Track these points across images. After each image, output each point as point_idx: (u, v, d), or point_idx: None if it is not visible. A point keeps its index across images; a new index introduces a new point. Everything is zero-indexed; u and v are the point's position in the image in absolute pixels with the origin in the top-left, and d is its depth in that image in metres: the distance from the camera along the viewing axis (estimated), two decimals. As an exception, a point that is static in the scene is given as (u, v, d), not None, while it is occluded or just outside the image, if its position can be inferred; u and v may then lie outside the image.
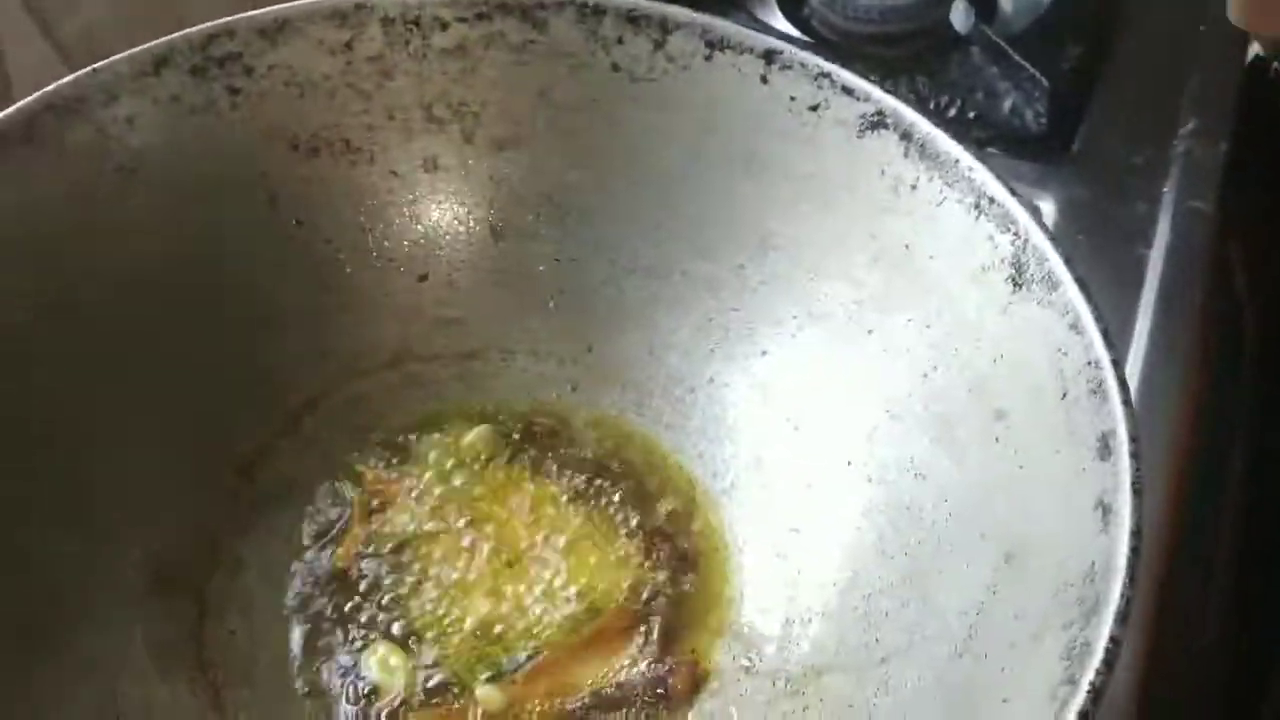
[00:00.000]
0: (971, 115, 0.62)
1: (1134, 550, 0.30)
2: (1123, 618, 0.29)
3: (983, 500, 0.37)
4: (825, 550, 0.41)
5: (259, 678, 0.40)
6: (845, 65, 0.42)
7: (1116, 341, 0.35)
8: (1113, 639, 0.29)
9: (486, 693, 0.40)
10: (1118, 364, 0.34)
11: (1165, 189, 0.59)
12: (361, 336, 0.47)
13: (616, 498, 0.45)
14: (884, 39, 0.67)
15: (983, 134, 0.62)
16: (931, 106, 0.62)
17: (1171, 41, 0.64)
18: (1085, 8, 0.67)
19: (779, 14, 0.70)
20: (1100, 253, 0.57)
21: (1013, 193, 0.38)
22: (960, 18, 0.65)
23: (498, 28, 0.45)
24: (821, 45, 0.67)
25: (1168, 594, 0.46)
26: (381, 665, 0.40)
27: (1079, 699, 0.28)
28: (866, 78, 0.42)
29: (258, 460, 0.45)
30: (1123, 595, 0.29)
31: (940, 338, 0.40)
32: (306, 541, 0.43)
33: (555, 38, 0.45)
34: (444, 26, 0.45)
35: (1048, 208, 0.59)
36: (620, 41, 0.45)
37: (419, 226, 0.47)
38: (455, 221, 0.48)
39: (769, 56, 0.43)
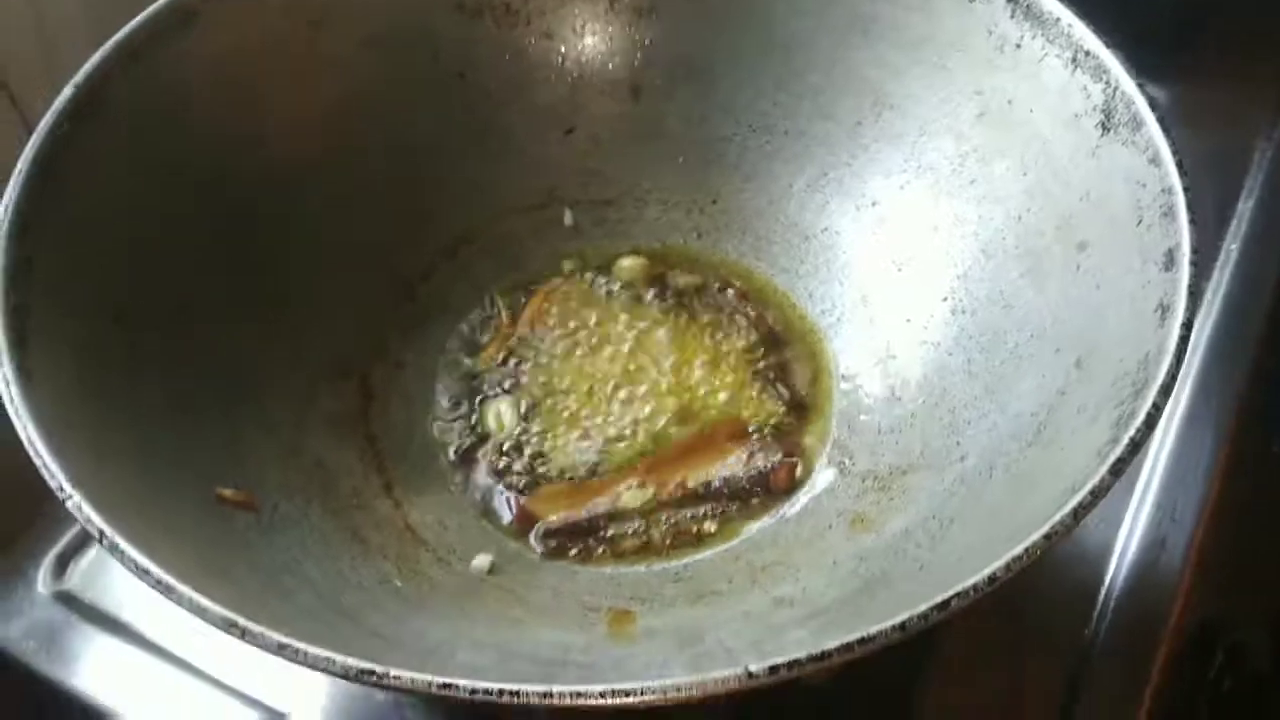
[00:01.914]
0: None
1: (1183, 339, 0.34)
2: (1166, 390, 0.33)
3: (1062, 321, 0.41)
4: (919, 373, 0.46)
5: (412, 451, 0.46)
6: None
7: (1189, 170, 0.38)
8: (1155, 405, 0.33)
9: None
10: (1188, 190, 0.37)
11: None
12: (513, 180, 0.52)
13: (737, 330, 0.49)
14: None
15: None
16: None
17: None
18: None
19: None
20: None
21: (1107, 45, 0.42)
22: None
23: (644, -100, 0.50)
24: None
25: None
26: (495, 416, 0.47)
27: (1119, 450, 0.32)
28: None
29: (420, 280, 0.51)
30: (1168, 372, 0.33)
31: (1034, 182, 0.44)
32: (455, 347, 0.49)
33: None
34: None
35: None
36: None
37: (567, 83, 0.53)
38: (600, 80, 0.53)
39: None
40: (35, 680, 0.45)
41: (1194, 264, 0.36)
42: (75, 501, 0.32)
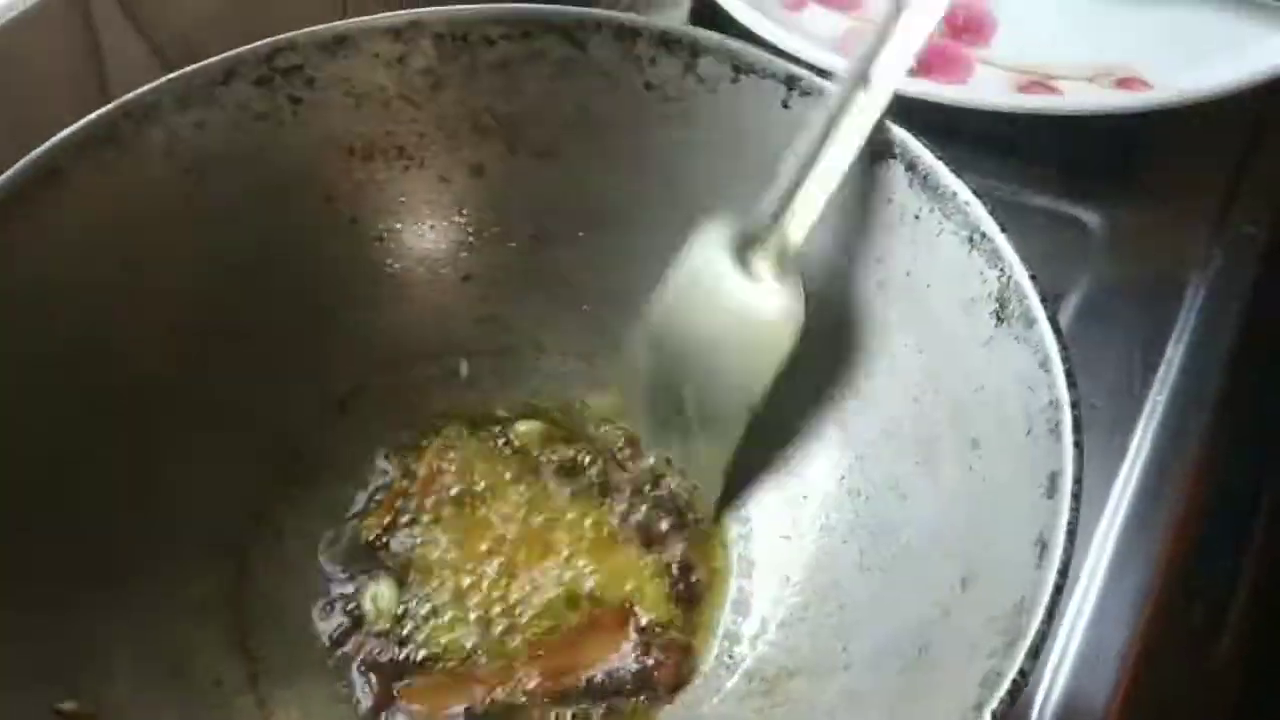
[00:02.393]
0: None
1: (1057, 589, 0.32)
2: (1035, 652, 0.31)
3: (952, 524, 0.39)
4: (812, 560, 0.44)
5: (286, 635, 0.44)
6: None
7: (1079, 383, 0.36)
8: (1021, 671, 0.31)
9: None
10: (1076, 405, 0.35)
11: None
12: (406, 329, 0.51)
13: (631, 501, 0.47)
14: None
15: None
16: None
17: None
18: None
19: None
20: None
21: (1003, 230, 0.40)
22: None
23: (540, 45, 0.48)
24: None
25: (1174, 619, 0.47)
26: (372, 599, 0.45)
27: (979, 724, 0.30)
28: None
29: (304, 438, 0.49)
30: (1038, 632, 0.31)
31: (931, 363, 0.42)
32: (342, 512, 0.47)
33: (594, 56, 0.48)
34: (490, 43, 0.48)
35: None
36: (654, 62, 0.47)
37: (465, 229, 0.51)
38: (498, 226, 0.51)
39: (790, 82, 0.45)
40: None
41: (1074, 496, 0.34)
42: None
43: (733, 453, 0.46)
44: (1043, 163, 0.61)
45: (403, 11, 0.48)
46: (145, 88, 0.45)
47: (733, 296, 0.45)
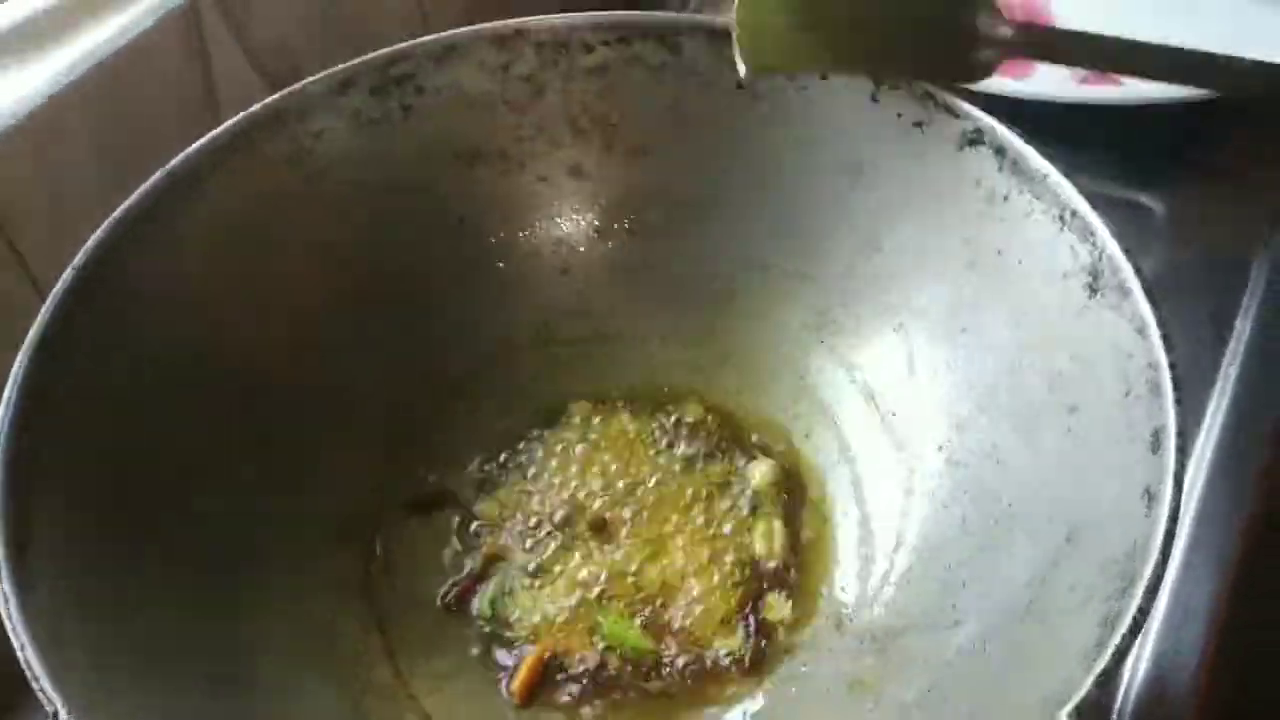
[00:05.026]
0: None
1: (1169, 534, 0.34)
2: (1152, 591, 0.33)
3: (1053, 485, 0.41)
4: (916, 524, 0.46)
5: (416, 613, 0.47)
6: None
7: (1176, 345, 0.38)
8: (1141, 609, 0.33)
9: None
10: (1174, 366, 0.38)
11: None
12: (511, 322, 0.53)
13: (728, 475, 0.50)
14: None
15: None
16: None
17: None
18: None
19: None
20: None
21: (1093, 208, 0.42)
22: None
23: (637, 50, 0.51)
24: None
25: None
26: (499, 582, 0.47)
27: (1104, 660, 0.32)
28: (966, 99, 0.46)
29: (418, 429, 0.51)
30: (1154, 572, 0.33)
31: (1025, 336, 0.44)
32: (465, 496, 0.50)
33: (687, 59, 0.50)
34: (589, 49, 0.51)
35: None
36: (745, 62, 0.50)
37: (563, 225, 0.54)
38: (595, 221, 0.53)
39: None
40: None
41: (1179, 449, 0.36)
42: (72, 725, 0.32)
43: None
44: (1103, 150, 0.63)
45: (509, 21, 0.51)
46: (271, 98, 0.48)
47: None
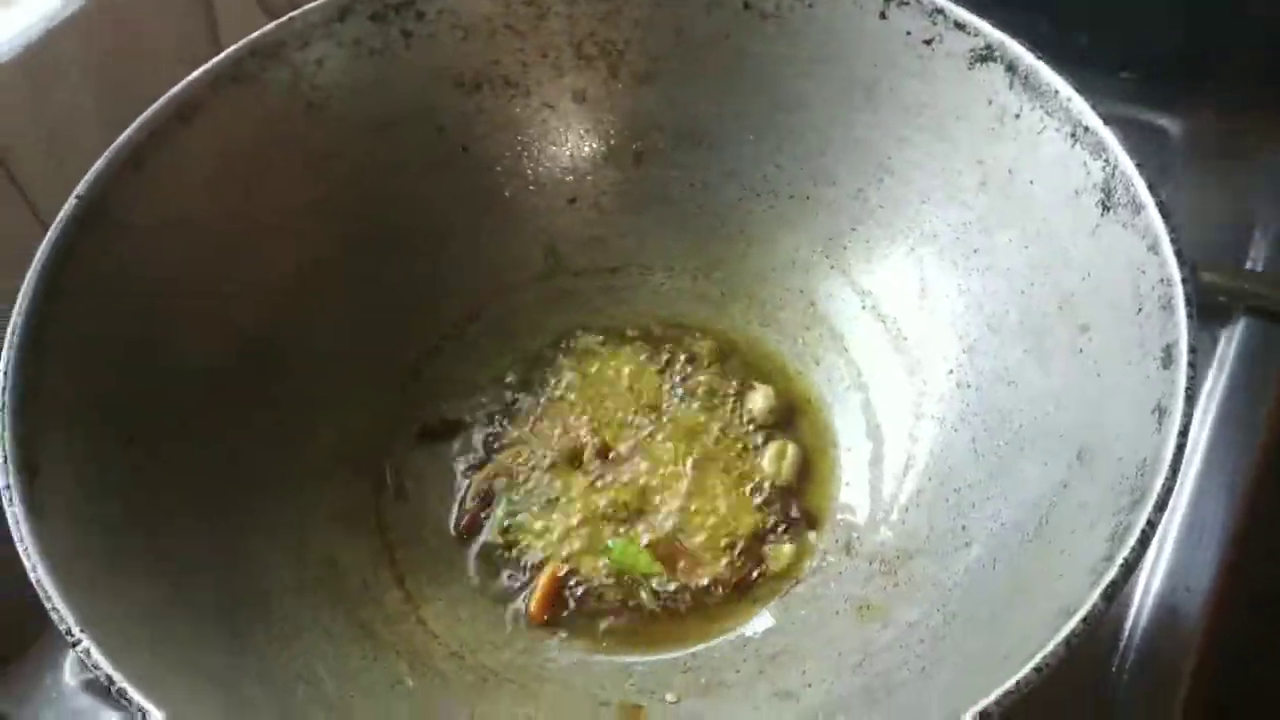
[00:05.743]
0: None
1: (1179, 448, 0.34)
2: (1161, 505, 0.33)
3: (1064, 405, 0.41)
4: (926, 448, 0.46)
5: (425, 540, 0.47)
6: (958, 2, 0.45)
7: (1189, 259, 0.37)
8: (1149, 522, 0.32)
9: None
10: (1187, 282, 0.37)
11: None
12: (518, 252, 0.53)
13: (737, 403, 0.50)
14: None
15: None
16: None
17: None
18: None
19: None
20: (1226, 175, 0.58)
21: (1105, 123, 0.41)
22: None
23: (641, -29, 0.50)
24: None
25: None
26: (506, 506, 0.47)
27: (1112, 573, 0.32)
28: (977, 13, 0.45)
29: (425, 361, 0.51)
30: (1164, 486, 0.33)
31: (1037, 256, 0.44)
32: (471, 427, 0.50)
33: (692, -22, 0.49)
34: (592, -29, 0.50)
35: (1176, 129, 0.60)
36: (751, -19, 0.49)
37: (570, 153, 0.53)
38: (602, 149, 0.53)
39: (887, -8, 0.47)
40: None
41: (1191, 364, 0.35)
42: (84, 646, 0.33)
43: None
44: (1119, 71, 0.62)
45: (505, -54, 0.50)
46: (269, 26, 0.47)
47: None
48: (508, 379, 0.51)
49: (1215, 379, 0.52)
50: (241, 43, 0.47)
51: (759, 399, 0.49)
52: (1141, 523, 0.32)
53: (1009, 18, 0.44)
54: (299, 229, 0.49)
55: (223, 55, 0.46)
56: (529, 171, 0.53)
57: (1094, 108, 0.41)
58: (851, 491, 0.46)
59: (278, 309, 0.48)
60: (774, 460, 0.47)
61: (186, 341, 0.44)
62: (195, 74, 0.46)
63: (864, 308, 0.50)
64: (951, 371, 0.46)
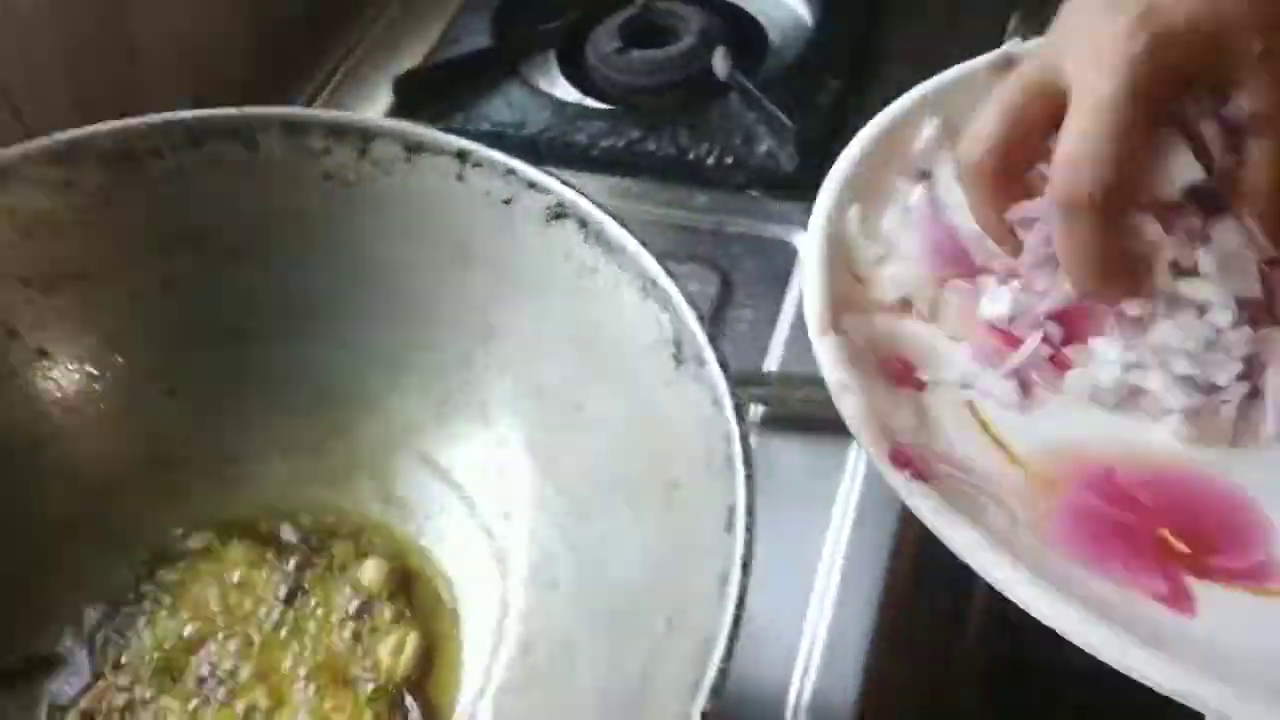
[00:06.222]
0: (730, 160, 0.65)
1: (735, 622, 0.33)
2: (716, 692, 0.32)
3: (658, 566, 0.40)
4: (527, 613, 0.44)
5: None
6: (532, 163, 0.45)
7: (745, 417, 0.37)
8: (704, 713, 0.31)
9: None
10: (745, 439, 0.37)
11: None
12: (119, 453, 0.49)
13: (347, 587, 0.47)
14: (653, 90, 0.70)
15: (741, 177, 0.65)
16: (692, 156, 0.65)
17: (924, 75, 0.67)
18: (840, 48, 0.70)
19: (560, 78, 0.73)
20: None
21: (670, 275, 0.41)
22: (720, 64, 0.68)
23: (213, 150, 0.47)
24: (603, 100, 0.70)
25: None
26: None
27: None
28: (549, 173, 0.45)
29: (12, 585, 0.46)
30: (720, 672, 0.32)
31: (629, 410, 0.43)
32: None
33: (267, 154, 0.47)
34: (161, 156, 0.47)
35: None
36: (328, 152, 0.47)
37: (163, 342, 0.50)
38: (197, 334, 0.50)
39: (462, 156, 0.46)
40: None
41: (748, 528, 0.35)
42: None
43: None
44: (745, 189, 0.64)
45: (64, 134, 0.47)
46: None
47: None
48: (105, 599, 0.47)
49: (850, 485, 0.53)
50: None
51: (369, 570, 0.47)
52: (696, 715, 0.31)
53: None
54: None
55: None
56: (122, 367, 0.49)
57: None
58: (475, 677, 0.44)
59: None
60: (393, 653, 0.45)
61: None
62: None
63: (484, 472, 0.48)
64: (563, 531, 0.45)
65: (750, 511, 0.35)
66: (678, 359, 0.40)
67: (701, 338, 0.39)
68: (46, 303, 0.48)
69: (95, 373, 0.49)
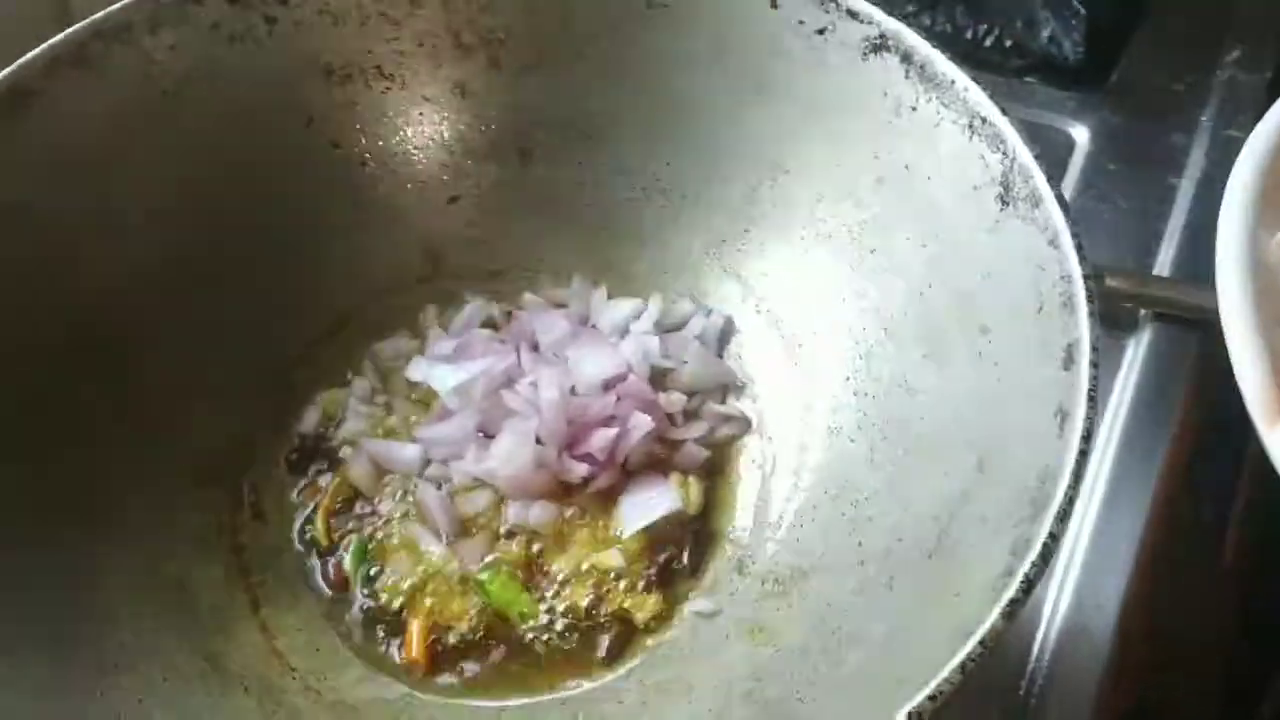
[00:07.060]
0: (1009, 44, 0.62)
1: (1082, 454, 0.31)
2: (1063, 515, 0.30)
3: (964, 411, 0.38)
4: (821, 459, 0.43)
5: (283, 563, 0.43)
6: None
7: (1089, 256, 0.35)
8: (1051, 534, 0.30)
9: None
10: (1089, 279, 0.35)
11: (1203, 118, 0.59)
12: (395, 254, 0.49)
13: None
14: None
15: (1021, 62, 0.62)
16: (969, 36, 0.63)
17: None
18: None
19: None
20: (1132, 182, 0.57)
21: (1003, 113, 0.39)
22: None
23: (522, -46, 0.47)
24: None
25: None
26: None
27: (1011, 589, 0.29)
28: (871, 1, 0.43)
29: (294, 370, 0.47)
30: (1065, 495, 0.31)
31: (935, 256, 0.41)
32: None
33: (576, -37, 0.46)
34: (470, -47, 0.47)
35: (1082, 136, 0.59)
36: (641, -33, 0.46)
37: (450, 150, 0.50)
38: (484, 145, 0.50)
39: (780, -20, 0.44)
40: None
41: (1093, 364, 0.33)
42: None
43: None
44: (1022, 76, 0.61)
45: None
46: (115, 7, 0.44)
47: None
48: (376, 399, 0.47)
49: (1122, 388, 0.50)
50: (83, 24, 0.43)
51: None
52: (1043, 535, 0.30)
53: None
54: (156, 224, 0.45)
55: (60, 37, 0.43)
56: (406, 169, 0.49)
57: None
58: (744, 510, 0.44)
59: (131, 309, 0.44)
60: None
61: (28, 337, 0.40)
62: (27, 57, 0.42)
63: (758, 312, 0.47)
64: (849, 379, 0.44)
65: (1095, 348, 0.33)
66: (1004, 199, 0.39)
67: (1039, 176, 0.37)
68: (342, 94, 0.48)
69: (378, 174, 0.49)
